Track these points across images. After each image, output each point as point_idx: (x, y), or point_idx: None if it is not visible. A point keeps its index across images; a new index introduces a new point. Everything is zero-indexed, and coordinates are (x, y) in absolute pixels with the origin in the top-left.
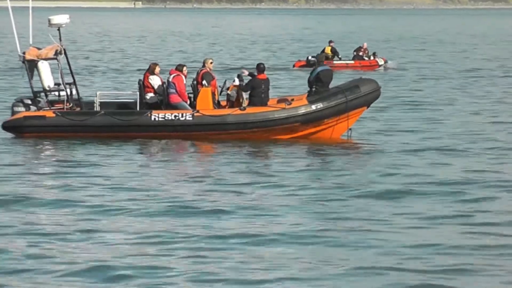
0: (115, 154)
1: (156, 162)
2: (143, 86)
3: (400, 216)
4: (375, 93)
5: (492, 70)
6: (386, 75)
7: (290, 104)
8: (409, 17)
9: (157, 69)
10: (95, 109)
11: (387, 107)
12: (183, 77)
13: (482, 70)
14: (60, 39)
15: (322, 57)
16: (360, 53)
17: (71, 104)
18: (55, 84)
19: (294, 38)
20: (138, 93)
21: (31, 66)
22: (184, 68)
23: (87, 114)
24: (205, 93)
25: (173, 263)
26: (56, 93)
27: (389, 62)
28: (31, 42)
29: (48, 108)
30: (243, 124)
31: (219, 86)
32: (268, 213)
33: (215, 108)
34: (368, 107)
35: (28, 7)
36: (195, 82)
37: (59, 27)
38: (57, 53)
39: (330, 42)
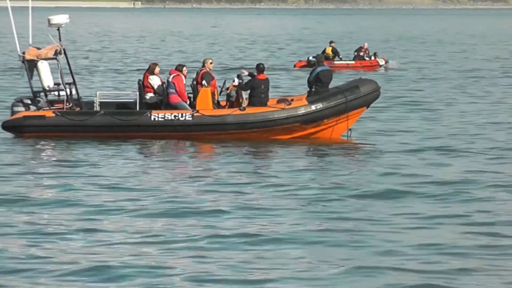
0: (114, 154)
1: (156, 162)
2: (143, 86)
3: (399, 216)
4: (375, 93)
5: (492, 70)
6: (385, 75)
7: (290, 104)
8: (408, 17)
9: (157, 69)
10: (94, 109)
11: (387, 107)
12: (183, 77)
13: (482, 70)
14: (59, 39)
15: (321, 58)
16: (361, 53)
17: (71, 104)
18: (55, 84)
19: (293, 38)
20: (137, 93)
21: (31, 66)
22: (184, 68)
23: (87, 114)
24: (204, 93)
25: (173, 263)
26: (56, 93)
27: (390, 62)
28: (30, 42)
29: (47, 108)
30: (242, 124)
31: (219, 86)
32: (268, 213)
33: (214, 108)
34: (367, 107)
35: (28, 7)
36: (194, 82)
37: (58, 27)
38: (56, 53)
39: (331, 42)
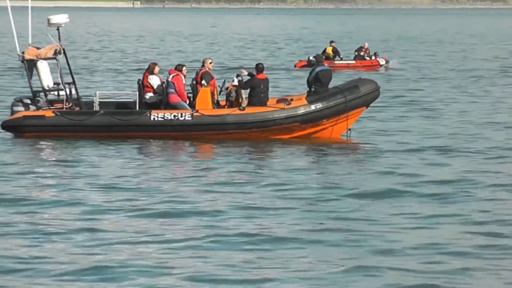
0: (114, 154)
1: (156, 162)
2: (143, 86)
3: (399, 216)
4: (375, 93)
5: (491, 70)
6: (384, 74)
7: (289, 104)
8: (407, 17)
9: (157, 69)
10: (94, 108)
11: (386, 107)
12: (183, 77)
13: (481, 70)
14: (59, 38)
15: (320, 57)
16: (362, 53)
17: (71, 104)
18: (54, 83)
19: (292, 38)
20: (137, 92)
21: (30, 65)
22: (184, 68)
23: (87, 113)
24: (204, 93)
25: (173, 263)
26: (56, 92)
27: (390, 62)
28: (30, 42)
29: (47, 107)
30: (242, 124)
31: (218, 86)
32: (268, 213)
33: (214, 108)
34: (367, 107)
35: (27, 7)
36: (194, 82)
37: (58, 27)
38: (56, 53)
39: (331, 42)
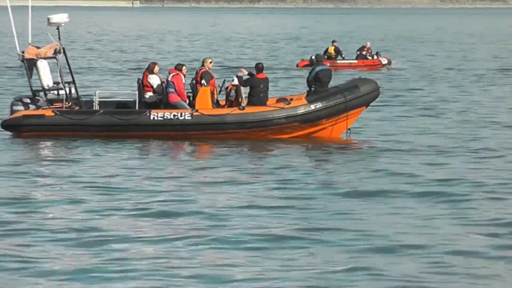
0: (114, 153)
1: (155, 161)
2: (142, 85)
3: (399, 216)
4: (374, 93)
5: (491, 70)
6: (384, 74)
7: (289, 103)
8: (407, 16)
9: (156, 68)
10: (94, 108)
11: (386, 106)
12: (182, 76)
13: (481, 69)
14: (59, 38)
15: (320, 57)
16: (363, 53)
17: (70, 103)
18: (54, 83)
19: (292, 37)
20: (137, 92)
21: (30, 65)
22: (183, 68)
23: (86, 113)
24: (204, 92)
25: (173, 263)
26: (55, 92)
27: (393, 61)
28: (30, 41)
29: (47, 107)
30: (242, 124)
31: (218, 86)
32: (268, 212)
33: (214, 107)
34: (367, 107)
35: (28, 6)
36: (194, 81)
37: (58, 26)
38: (56, 52)
39: (333, 42)
